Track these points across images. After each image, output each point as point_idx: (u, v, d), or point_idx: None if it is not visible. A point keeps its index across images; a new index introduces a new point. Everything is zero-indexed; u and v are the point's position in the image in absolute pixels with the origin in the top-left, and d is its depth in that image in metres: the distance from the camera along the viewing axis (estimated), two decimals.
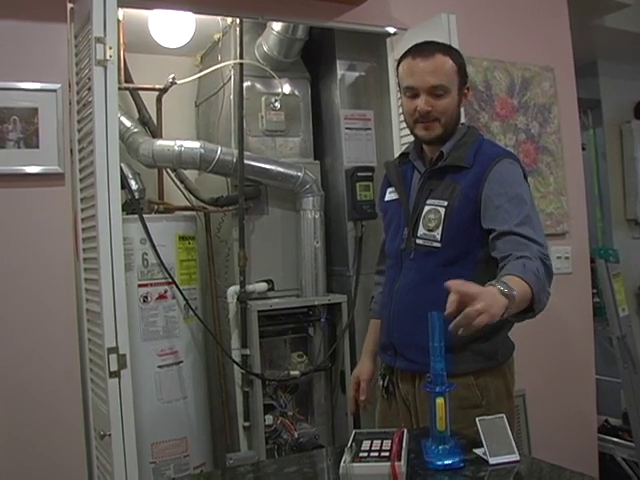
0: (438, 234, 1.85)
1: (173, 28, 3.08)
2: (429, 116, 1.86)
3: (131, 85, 3.09)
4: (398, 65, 1.94)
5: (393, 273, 2.00)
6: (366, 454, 1.36)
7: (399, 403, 2.00)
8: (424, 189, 1.92)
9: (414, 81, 1.86)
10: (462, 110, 2.58)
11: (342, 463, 1.31)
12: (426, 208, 1.89)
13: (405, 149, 2.10)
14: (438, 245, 1.85)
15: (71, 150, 2.32)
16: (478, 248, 1.84)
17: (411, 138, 2.66)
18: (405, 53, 1.92)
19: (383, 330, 2.05)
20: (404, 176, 2.03)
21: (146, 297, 2.64)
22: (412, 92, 1.87)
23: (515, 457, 1.41)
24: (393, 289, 1.98)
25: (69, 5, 2.31)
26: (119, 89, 2.42)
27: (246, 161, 2.88)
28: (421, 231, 1.89)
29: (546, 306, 1.70)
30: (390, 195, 2.07)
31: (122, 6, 2.50)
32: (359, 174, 3.03)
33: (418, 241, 1.89)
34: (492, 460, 1.41)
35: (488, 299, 1.44)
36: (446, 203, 1.85)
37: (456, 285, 1.44)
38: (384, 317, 2.04)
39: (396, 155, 2.82)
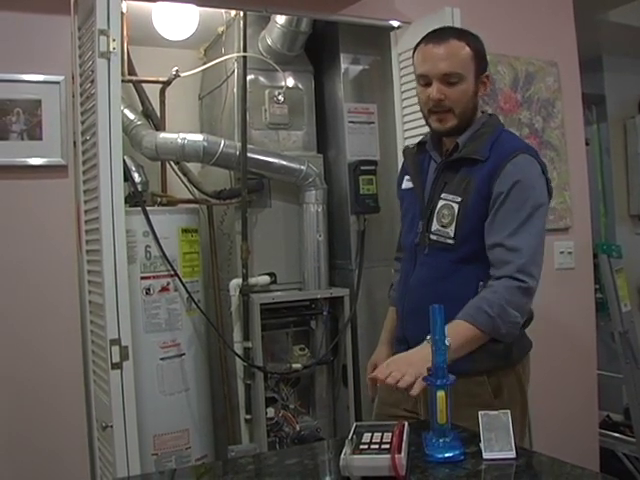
0: (451, 231, 1.81)
1: (177, 21, 3.08)
2: (442, 105, 1.79)
3: (134, 78, 3.10)
4: (413, 53, 1.88)
5: (407, 267, 1.97)
6: (366, 446, 1.36)
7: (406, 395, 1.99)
8: (439, 182, 1.87)
9: (426, 68, 1.80)
10: None
11: (342, 455, 1.31)
12: (440, 203, 1.84)
13: (423, 138, 2.03)
14: (451, 242, 1.81)
15: (74, 142, 2.33)
16: None
17: (415, 132, 2.69)
18: (420, 40, 1.86)
19: (398, 323, 2.02)
20: (421, 165, 1.97)
21: (149, 289, 2.64)
22: (425, 80, 1.80)
23: (511, 454, 1.40)
24: (407, 284, 1.95)
25: None
26: (122, 81, 2.42)
27: (249, 154, 2.89)
28: (435, 226, 1.85)
29: (518, 327, 1.75)
30: (407, 184, 2.02)
31: None
32: (362, 168, 3.03)
33: (432, 236, 1.86)
34: (486, 455, 1.40)
35: (405, 360, 1.59)
36: (460, 199, 1.80)
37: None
38: (399, 311, 2.01)
39: (399, 149, 2.83)
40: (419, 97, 1.88)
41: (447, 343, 1.53)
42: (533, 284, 1.73)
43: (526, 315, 1.77)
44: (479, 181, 1.78)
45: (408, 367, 1.54)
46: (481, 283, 1.78)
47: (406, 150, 2.12)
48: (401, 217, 2.10)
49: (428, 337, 1.60)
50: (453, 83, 1.78)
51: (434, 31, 1.87)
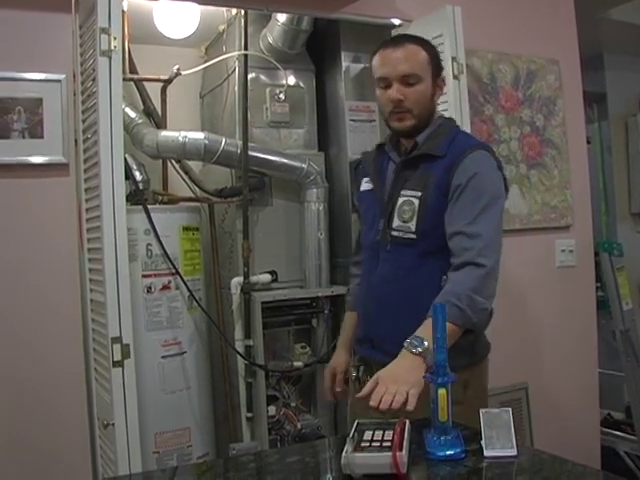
0: (413, 225, 1.84)
1: (178, 19, 3.08)
2: (402, 106, 1.85)
3: (136, 76, 3.10)
4: (371, 59, 1.94)
5: (369, 265, 1.99)
6: (368, 444, 1.36)
7: None
8: (399, 180, 1.92)
9: (386, 70, 1.86)
10: (466, 105, 2.61)
11: (344, 453, 1.31)
12: (400, 199, 1.88)
13: (382, 140, 2.08)
14: (413, 236, 1.85)
15: (75, 140, 2.33)
16: None
17: None
18: (377, 47, 1.93)
19: (360, 323, 2.04)
20: (380, 167, 2.02)
21: (150, 288, 2.64)
22: (385, 83, 1.87)
23: (513, 452, 1.41)
24: (370, 282, 1.97)
25: None
26: (124, 80, 2.42)
27: (250, 152, 2.89)
28: (396, 222, 1.88)
29: (487, 313, 1.78)
30: (365, 185, 2.06)
31: None
32: None
33: (394, 233, 1.88)
34: (487, 453, 1.40)
35: (391, 377, 1.56)
36: (420, 194, 1.84)
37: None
38: (361, 310, 2.03)
39: None
40: (379, 100, 1.93)
41: (425, 345, 1.58)
42: (492, 266, 1.74)
43: (493, 299, 1.78)
44: (438, 176, 1.83)
45: (396, 385, 1.55)
46: (444, 277, 1.80)
47: (365, 154, 2.18)
48: (360, 219, 2.14)
49: (406, 342, 1.63)
50: (412, 84, 1.85)
51: (391, 38, 1.97)
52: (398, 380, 1.56)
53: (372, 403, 1.53)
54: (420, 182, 1.85)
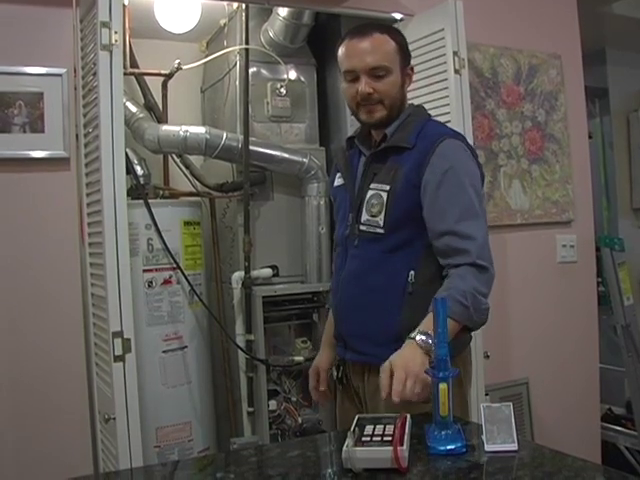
0: (381, 219, 1.78)
1: (179, 13, 3.07)
2: (371, 99, 1.78)
3: (136, 70, 3.09)
4: (337, 51, 1.85)
5: (340, 261, 1.94)
6: (369, 438, 1.36)
7: (353, 395, 1.95)
8: (368, 173, 1.86)
9: (353, 63, 1.78)
10: (467, 100, 2.61)
11: (345, 447, 1.31)
12: (369, 193, 1.82)
13: (352, 133, 2.02)
14: (381, 231, 1.79)
15: (76, 135, 2.33)
16: (425, 233, 1.77)
17: None
18: (343, 37, 1.85)
19: (334, 321, 1.99)
20: (351, 161, 1.96)
21: (151, 282, 2.65)
22: (352, 76, 1.79)
23: (513, 446, 1.40)
24: (339, 278, 1.92)
25: None
26: (124, 74, 2.41)
27: (251, 147, 2.88)
28: (364, 217, 1.82)
29: (487, 314, 1.71)
30: (338, 181, 2.00)
31: None
32: None
33: (362, 227, 1.83)
34: (488, 447, 1.40)
35: (401, 366, 1.52)
36: (388, 187, 1.78)
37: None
38: (333, 308, 1.99)
39: None
40: (345, 93, 1.86)
41: (430, 342, 1.53)
42: (494, 272, 1.71)
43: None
44: (407, 169, 1.77)
45: (406, 372, 1.52)
46: (412, 272, 1.76)
47: (336, 148, 2.10)
48: (334, 215, 2.08)
49: (418, 337, 1.58)
50: (380, 76, 1.78)
51: (356, 27, 1.85)
52: (407, 367, 1.52)
53: (397, 397, 1.50)
54: (389, 175, 1.79)
